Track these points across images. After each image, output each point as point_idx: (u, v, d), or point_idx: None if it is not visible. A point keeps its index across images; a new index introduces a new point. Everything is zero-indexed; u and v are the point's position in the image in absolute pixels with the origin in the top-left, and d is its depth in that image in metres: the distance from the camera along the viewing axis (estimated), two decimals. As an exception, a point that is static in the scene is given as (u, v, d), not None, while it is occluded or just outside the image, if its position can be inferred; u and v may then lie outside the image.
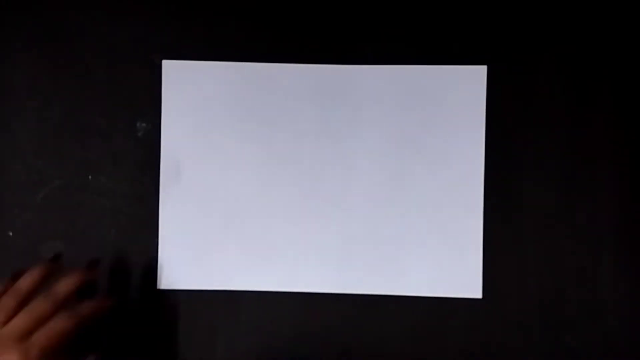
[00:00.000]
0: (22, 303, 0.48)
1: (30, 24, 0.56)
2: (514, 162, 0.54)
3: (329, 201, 0.54)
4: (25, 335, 0.46)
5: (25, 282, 0.49)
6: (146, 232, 0.55)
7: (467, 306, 0.54)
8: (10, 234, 0.55)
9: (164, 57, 0.55)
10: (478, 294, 0.54)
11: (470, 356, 0.54)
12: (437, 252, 0.54)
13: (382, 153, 0.54)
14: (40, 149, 0.55)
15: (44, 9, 0.56)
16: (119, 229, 0.55)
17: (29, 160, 0.55)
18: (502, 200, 0.54)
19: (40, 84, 0.55)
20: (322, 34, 0.55)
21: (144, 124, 0.55)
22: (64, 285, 0.49)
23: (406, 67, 0.54)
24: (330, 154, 0.55)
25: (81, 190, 0.55)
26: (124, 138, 0.55)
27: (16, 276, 0.49)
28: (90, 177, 0.55)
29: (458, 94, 0.54)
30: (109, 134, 0.55)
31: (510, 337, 0.54)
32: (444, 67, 0.54)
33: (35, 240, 0.55)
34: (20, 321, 0.47)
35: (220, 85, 0.55)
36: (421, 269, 0.54)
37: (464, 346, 0.54)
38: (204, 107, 0.55)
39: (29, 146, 0.55)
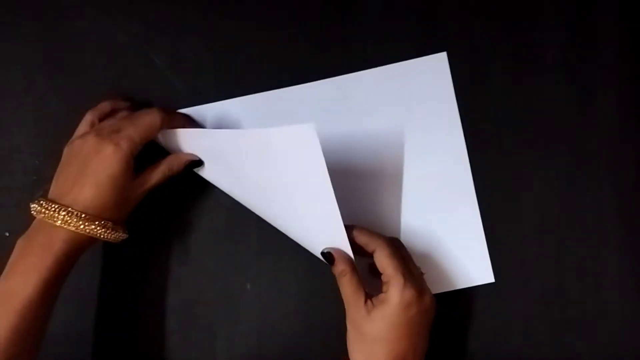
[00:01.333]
0: (116, 110, 0.52)
1: (29, 23, 0.55)
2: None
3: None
4: (116, 130, 0.48)
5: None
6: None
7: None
8: (7, 234, 0.54)
9: (164, 56, 0.55)
10: (490, 279, 0.54)
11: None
12: (442, 247, 0.54)
13: (367, 160, 0.54)
14: (38, 148, 0.55)
15: (42, 8, 0.55)
16: (118, 229, 0.54)
17: (26, 159, 0.55)
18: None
19: (38, 83, 0.55)
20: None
21: (143, 124, 0.55)
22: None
23: (369, 71, 0.55)
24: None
25: (79, 190, 0.54)
26: (123, 138, 0.55)
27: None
28: (88, 177, 0.55)
29: (425, 85, 0.54)
30: (107, 134, 0.55)
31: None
32: (406, 62, 0.55)
33: (32, 241, 0.54)
34: (112, 120, 0.50)
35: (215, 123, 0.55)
36: (431, 267, 0.54)
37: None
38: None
39: (27, 145, 0.55)
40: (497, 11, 0.55)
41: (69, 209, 0.46)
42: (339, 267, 0.47)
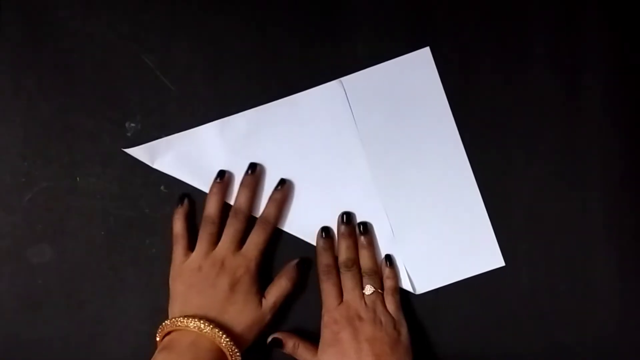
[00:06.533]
0: (219, 226, 0.52)
1: (17, 23, 0.55)
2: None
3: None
4: (234, 250, 0.51)
5: (211, 207, 0.52)
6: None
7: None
8: (-5, 236, 0.54)
9: (154, 57, 0.55)
10: (500, 262, 0.54)
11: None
12: (449, 238, 0.54)
13: (365, 160, 0.54)
14: (27, 150, 0.54)
15: (29, 8, 0.55)
16: (108, 231, 0.54)
17: (14, 161, 0.54)
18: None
19: (27, 84, 0.54)
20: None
21: (132, 124, 0.55)
22: (242, 198, 0.52)
23: (357, 74, 0.55)
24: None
25: (69, 192, 0.54)
26: (113, 138, 0.54)
27: (182, 198, 0.53)
28: (78, 178, 0.54)
29: (413, 82, 0.54)
30: (97, 135, 0.54)
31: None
32: (390, 61, 0.55)
33: (22, 244, 0.54)
34: (227, 241, 0.51)
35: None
36: (440, 258, 0.54)
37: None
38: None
39: (15, 147, 0.54)
40: (486, 7, 0.55)
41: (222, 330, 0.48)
42: (289, 345, 0.51)
